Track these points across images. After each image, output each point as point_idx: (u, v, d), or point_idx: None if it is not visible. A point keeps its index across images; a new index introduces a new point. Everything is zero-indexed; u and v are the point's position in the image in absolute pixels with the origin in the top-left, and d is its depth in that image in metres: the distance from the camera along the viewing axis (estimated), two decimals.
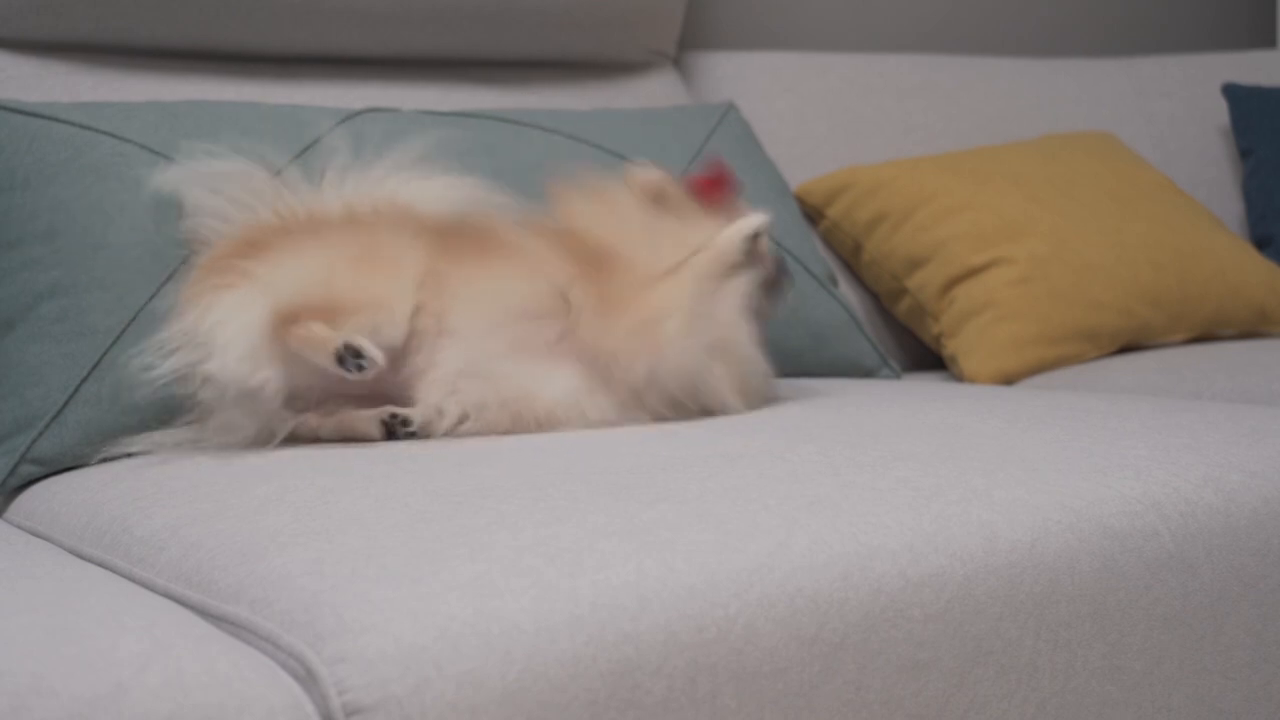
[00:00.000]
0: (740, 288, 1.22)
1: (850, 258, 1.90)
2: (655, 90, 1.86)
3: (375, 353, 1.08)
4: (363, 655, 0.72)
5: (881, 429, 1.12)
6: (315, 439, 1.15)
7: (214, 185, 1.24)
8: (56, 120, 1.31)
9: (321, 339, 1.08)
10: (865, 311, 1.90)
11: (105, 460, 1.20)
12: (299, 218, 1.21)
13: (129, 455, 1.18)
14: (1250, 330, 1.86)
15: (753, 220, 1.23)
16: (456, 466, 1.02)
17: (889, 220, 1.83)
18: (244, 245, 1.17)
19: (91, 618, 0.73)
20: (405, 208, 1.24)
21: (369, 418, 1.13)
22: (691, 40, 2.10)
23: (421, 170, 1.31)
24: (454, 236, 1.20)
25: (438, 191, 1.30)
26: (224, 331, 1.10)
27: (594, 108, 1.74)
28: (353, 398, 1.14)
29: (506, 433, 1.15)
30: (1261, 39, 2.67)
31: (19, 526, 1.14)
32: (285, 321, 1.09)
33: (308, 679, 0.72)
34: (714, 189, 1.26)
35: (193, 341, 1.11)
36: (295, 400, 1.14)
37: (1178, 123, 2.24)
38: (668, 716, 0.76)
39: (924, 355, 1.92)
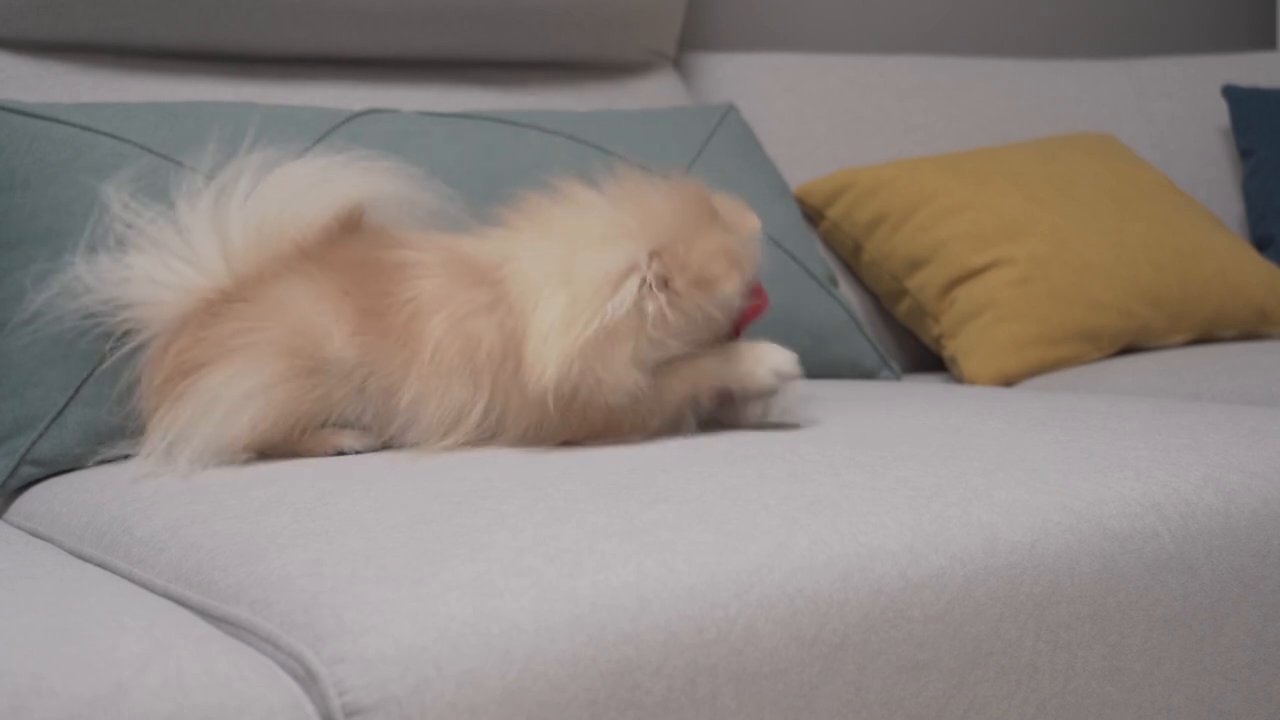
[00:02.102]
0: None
1: (850, 258, 1.90)
2: (655, 91, 1.86)
3: (359, 445, 1.15)
4: (362, 656, 0.72)
5: (881, 430, 1.12)
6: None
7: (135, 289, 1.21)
8: (56, 121, 1.31)
9: (320, 448, 1.15)
10: (865, 312, 1.90)
11: (105, 461, 1.20)
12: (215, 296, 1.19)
13: (129, 456, 1.18)
14: (1250, 331, 1.86)
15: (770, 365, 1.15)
16: (455, 468, 1.02)
17: (889, 221, 1.83)
18: (186, 347, 1.16)
19: (91, 618, 0.73)
20: (320, 239, 1.21)
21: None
22: (691, 41, 2.10)
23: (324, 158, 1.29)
24: (367, 268, 1.17)
25: (351, 179, 1.27)
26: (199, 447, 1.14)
27: (594, 108, 1.74)
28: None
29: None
30: (1261, 40, 2.67)
31: (19, 527, 1.14)
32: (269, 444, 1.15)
33: (308, 679, 0.72)
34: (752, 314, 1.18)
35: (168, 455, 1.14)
36: None
37: (1178, 123, 2.24)
38: (668, 717, 0.76)
39: (924, 356, 1.92)
